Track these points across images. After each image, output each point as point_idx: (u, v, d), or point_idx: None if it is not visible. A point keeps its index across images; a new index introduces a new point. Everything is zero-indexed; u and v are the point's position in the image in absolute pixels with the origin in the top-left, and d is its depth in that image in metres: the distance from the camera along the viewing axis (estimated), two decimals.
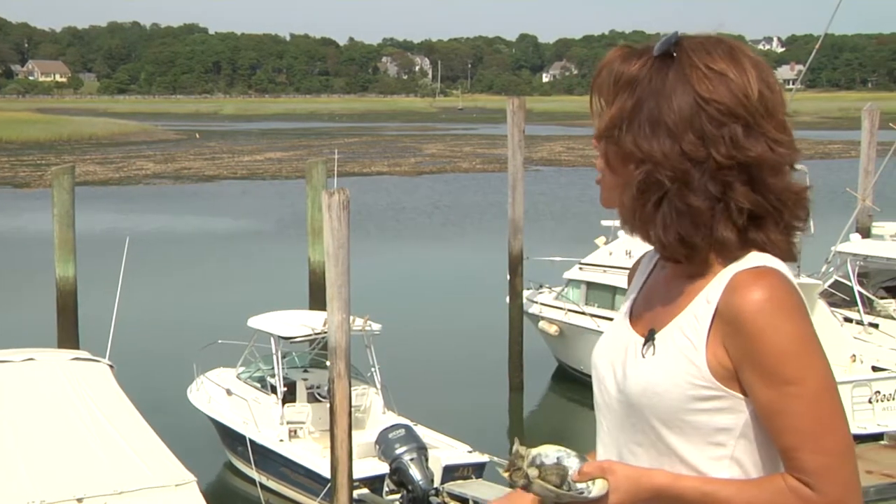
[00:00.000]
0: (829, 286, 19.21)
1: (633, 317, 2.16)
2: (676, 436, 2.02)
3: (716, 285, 2.00)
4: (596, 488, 1.99)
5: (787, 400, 1.93)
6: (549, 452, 2.01)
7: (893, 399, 16.53)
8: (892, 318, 18.64)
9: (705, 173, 1.96)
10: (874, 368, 17.34)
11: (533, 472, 1.99)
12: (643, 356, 2.05)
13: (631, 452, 2.08)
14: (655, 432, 2.04)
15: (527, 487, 2.00)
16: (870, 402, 16.33)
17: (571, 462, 2.00)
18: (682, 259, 2.02)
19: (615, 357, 2.12)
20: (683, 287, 2.06)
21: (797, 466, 1.93)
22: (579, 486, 1.99)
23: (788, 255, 2.04)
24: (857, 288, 18.64)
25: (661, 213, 1.99)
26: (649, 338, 2.06)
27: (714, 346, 1.98)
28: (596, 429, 2.21)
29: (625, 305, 2.22)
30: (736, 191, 1.96)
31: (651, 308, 2.12)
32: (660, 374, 2.01)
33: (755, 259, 1.99)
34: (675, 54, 2.00)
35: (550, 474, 1.99)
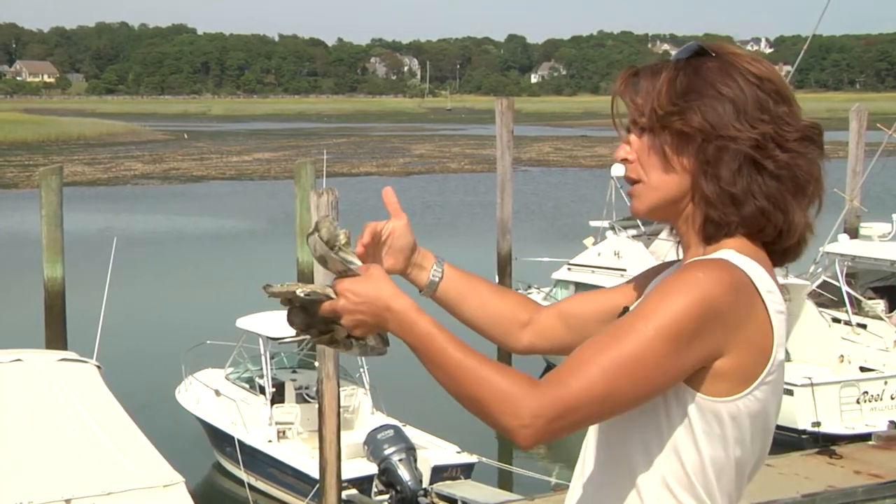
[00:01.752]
0: (817, 287, 19.25)
1: None
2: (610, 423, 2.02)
3: (671, 269, 2.05)
4: (358, 265, 2.04)
5: (616, 326, 1.89)
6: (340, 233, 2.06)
7: (881, 399, 16.58)
8: (880, 318, 18.68)
9: (776, 145, 1.97)
10: (862, 369, 17.39)
11: (323, 227, 2.05)
12: None
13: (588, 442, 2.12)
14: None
15: (307, 238, 2.06)
16: (858, 402, 16.39)
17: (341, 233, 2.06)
18: (779, 227, 2.00)
19: None
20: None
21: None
22: (346, 255, 2.04)
23: (801, 248, 2.06)
24: (844, 288, 18.68)
25: (755, 181, 1.96)
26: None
27: None
28: None
29: None
30: (804, 160, 2.01)
31: None
32: None
33: (723, 254, 1.96)
34: (710, 51, 2.02)
35: (323, 227, 2.05)
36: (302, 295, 2.05)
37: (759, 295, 1.92)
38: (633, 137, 2.04)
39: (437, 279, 2.32)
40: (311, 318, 2.09)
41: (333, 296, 2.04)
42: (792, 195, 1.98)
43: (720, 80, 1.97)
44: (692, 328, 1.85)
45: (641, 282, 2.22)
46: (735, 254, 1.95)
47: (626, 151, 2.05)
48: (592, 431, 2.08)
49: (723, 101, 1.96)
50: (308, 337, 2.16)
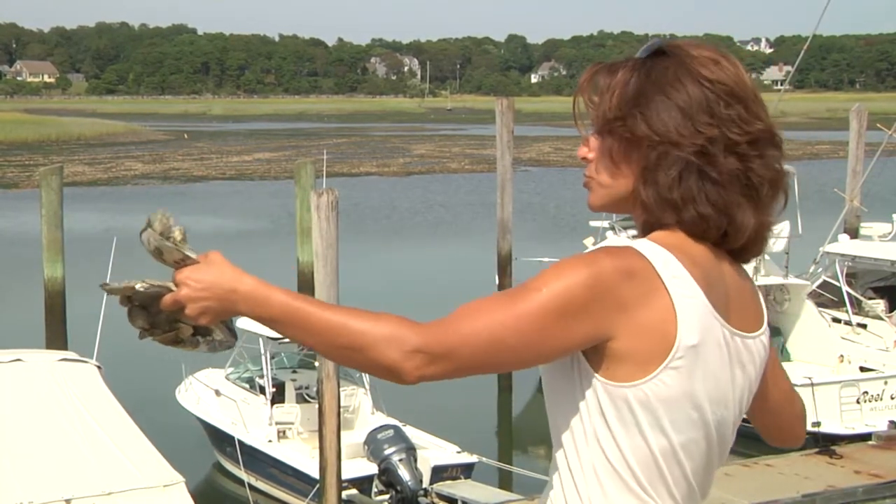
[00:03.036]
0: (818, 287, 19.25)
1: None
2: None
3: None
4: (191, 254, 1.97)
5: (505, 290, 1.97)
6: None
7: (881, 399, 16.59)
8: (881, 318, 18.69)
9: (724, 149, 1.99)
10: (862, 369, 17.39)
11: (154, 225, 1.98)
12: None
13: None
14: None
15: (141, 233, 2.00)
16: (857, 402, 16.39)
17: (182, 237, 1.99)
18: (722, 230, 2.01)
19: None
20: None
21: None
22: (182, 248, 1.97)
23: (760, 244, 2.07)
24: (845, 288, 18.68)
25: (695, 187, 1.98)
26: None
27: None
28: None
29: None
30: (757, 164, 2.01)
31: None
32: None
33: (636, 243, 1.97)
34: (667, 52, 2.05)
35: (155, 220, 1.99)
36: (141, 290, 1.98)
37: (662, 280, 1.92)
38: (592, 136, 2.09)
39: None
40: (154, 317, 2.01)
41: (174, 288, 1.98)
42: (744, 198, 2.00)
43: (670, 84, 2.00)
44: (580, 301, 1.88)
45: None
46: (647, 243, 1.97)
47: (585, 152, 2.10)
48: None
49: (669, 107, 1.99)
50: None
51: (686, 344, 1.93)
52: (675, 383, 1.93)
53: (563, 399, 2.00)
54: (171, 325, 2.02)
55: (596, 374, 1.95)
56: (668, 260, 1.94)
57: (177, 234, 1.98)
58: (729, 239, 2.03)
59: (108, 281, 2.02)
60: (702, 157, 1.98)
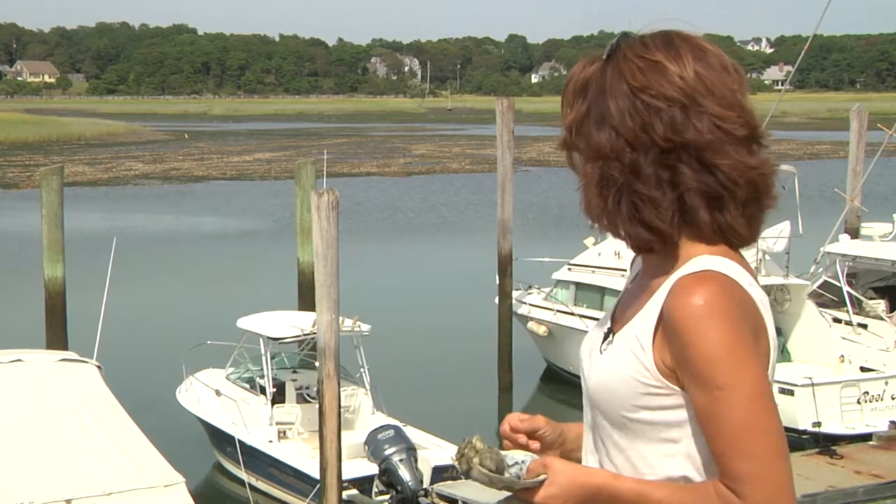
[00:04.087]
0: (818, 287, 19.25)
1: (615, 314, 2.21)
2: (628, 431, 2.07)
3: (665, 287, 2.04)
4: (530, 477, 2.06)
5: (716, 405, 1.95)
6: (503, 452, 2.10)
7: (882, 399, 16.57)
8: (881, 318, 18.67)
9: (652, 161, 2.00)
10: (863, 369, 17.37)
11: (475, 459, 2.06)
12: (601, 353, 2.13)
13: (596, 447, 2.17)
14: (612, 429, 2.10)
15: (468, 473, 2.07)
16: (858, 402, 16.37)
17: (523, 458, 2.08)
18: (656, 247, 2.06)
19: (586, 353, 2.20)
20: (647, 286, 2.11)
21: (726, 472, 1.96)
22: (513, 470, 2.06)
23: (749, 238, 2.07)
24: (845, 288, 18.67)
25: (623, 207, 2.03)
26: (607, 335, 2.14)
27: (660, 346, 2.02)
28: None
29: (613, 303, 2.28)
30: (683, 173, 2.00)
31: (625, 307, 2.17)
32: (611, 371, 2.08)
33: (701, 263, 2.02)
34: (616, 53, 2.06)
35: (486, 459, 2.05)
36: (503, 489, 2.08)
37: (751, 297, 2.03)
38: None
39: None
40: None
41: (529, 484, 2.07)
42: (703, 201, 2.01)
43: (602, 96, 2.04)
44: (748, 341, 1.97)
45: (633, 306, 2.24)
46: (709, 258, 2.03)
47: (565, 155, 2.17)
48: (592, 423, 2.18)
49: (602, 121, 2.04)
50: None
51: (773, 345, 2.07)
52: None
53: (659, 422, 2.05)
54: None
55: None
56: (740, 272, 2.03)
57: (507, 460, 2.08)
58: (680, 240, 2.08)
59: (470, 466, 2.09)
60: (629, 174, 2.01)
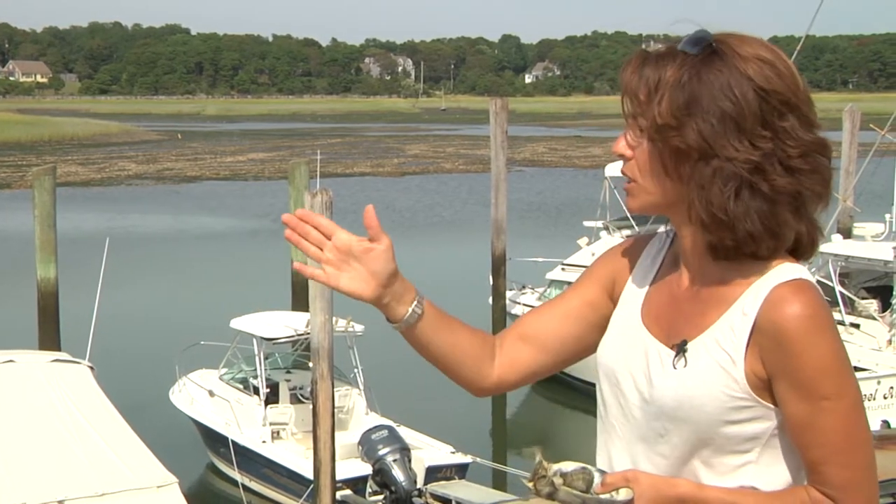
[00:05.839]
0: None
1: (646, 318, 2.10)
2: (708, 446, 2.00)
3: (752, 297, 1.96)
4: (621, 495, 1.98)
5: (821, 415, 1.93)
6: (570, 464, 2.01)
7: (874, 399, 16.58)
8: (874, 318, 18.71)
9: (778, 163, 1.93)
10: (856, 369, 17.39)
11: (558, 480, 1.98)
12: (674, 367, 2.00)
13: (649, 460, 2.05)
14: (688, 444, 2.01)
15: (552, 495, 1.99)
16: None
17: (594, 472, 2.01)
18: (767, 253, 1.98)
19: (634, 364, 2.07)
20: (714, 295, 2.01)
21: (823, 480, 1.94)
22: (603, 495, 1.98)
23: (813, 248, 2.03)
24: (838, 288, 18.69)
25: (749, 206, 1.93)
26: (681, 349, 2.01)
27: (751, 358, 1.95)
28: (597, 433, 2.18)
29: (631, 303, 2.15)
30: (809, 177, 1.95)
31: (673, 314, 2.07)
32: (696, 387, 1.97)
33: (789, 271, 1.97)
34: (717, 50, 1.95)
35: (576, 479, 1.98)
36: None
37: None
38: (631, 133, 2.01)
39: (416, 317, 2.28)
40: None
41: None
42: (791, 213, 1.96)
43: (723, 92, 1.92)
44: (846, 351, 1.97)
45: (613, 264, 2.20)
46: (792, 266, 2.00)
47: (624, 147, 2.02)
48: (636, 439, 2.09)
49: (723, 118, 1.91)
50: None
51: None
52: None
53: (738, 436, 2.01)
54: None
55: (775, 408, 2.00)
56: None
57: (597, 477, 2.00)
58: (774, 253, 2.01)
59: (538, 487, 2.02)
60: (756, 173, 1.92)
